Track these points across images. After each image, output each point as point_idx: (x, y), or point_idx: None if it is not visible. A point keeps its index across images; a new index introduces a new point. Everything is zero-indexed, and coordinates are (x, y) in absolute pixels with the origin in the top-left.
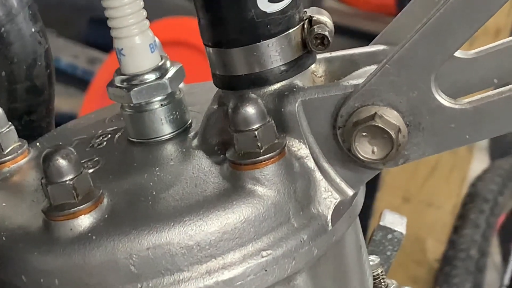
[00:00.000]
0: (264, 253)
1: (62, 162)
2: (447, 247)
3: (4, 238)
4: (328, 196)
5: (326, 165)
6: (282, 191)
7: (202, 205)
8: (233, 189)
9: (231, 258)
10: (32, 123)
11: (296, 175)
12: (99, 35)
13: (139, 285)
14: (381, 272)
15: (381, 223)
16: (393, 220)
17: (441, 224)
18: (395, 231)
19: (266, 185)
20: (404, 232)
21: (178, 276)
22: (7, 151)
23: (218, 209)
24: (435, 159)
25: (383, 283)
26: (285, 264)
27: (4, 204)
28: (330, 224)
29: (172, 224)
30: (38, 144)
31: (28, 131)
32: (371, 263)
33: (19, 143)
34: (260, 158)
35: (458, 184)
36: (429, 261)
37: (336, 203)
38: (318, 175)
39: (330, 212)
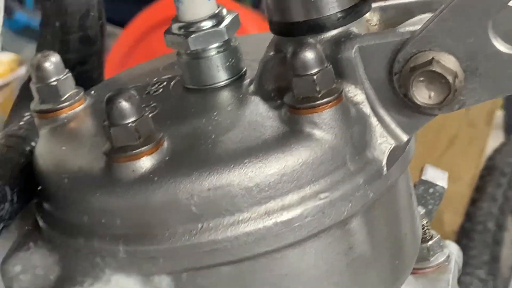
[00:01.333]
0: (321, 196)
1: (125, 104)
2: (464, 220)
3: (66, 180)
4: (383, 142)
5: (381, 111)
6: (339, 135)
7: (261, 148)
8: (292, 132)
9: (290, 200)
10: (84, 74)
11: (352, 120)
12: (114, 11)
13: (199, 225)
14: (426, 223)
15: (423, 178)
16: (435, 175)
17: (459, 197)
18: (436, 185)
19: (323, 129)
20: (445, 186)
21: (237, 216)
22: (64, 97)
23: (277, 151)
24: (453, 132)
25: (427, 233)
26: (342, 206)
27: (64, 147)
28: (385, 168)
29: (232, 166)
30: (93, 92)
31: (81, 81)
32: None
33: (76, 90)
34: (318, 102)
35: (476, 157)
36: (446, 234)
37: (391, 149)
38: (374, 120)
39: (385, 157)
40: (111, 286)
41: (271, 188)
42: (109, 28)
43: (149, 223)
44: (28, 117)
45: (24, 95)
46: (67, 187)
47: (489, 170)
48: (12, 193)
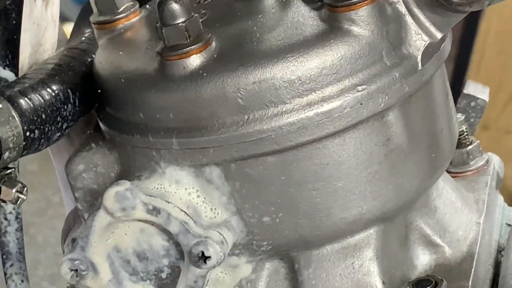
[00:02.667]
0: (359, 88)
1: (175, 5)
2: None
3: (122, 81)
4: (418, 39)
5: (416, 10)
6: (375, 31)
7: (302, 43)
8: (331, 29)
9: (329, 91)
10: None
11: (388, 18)
12: None
13: (246, 116)
14: (466, 128)
15: (465, 91)
16: (476, 89)
17: None
18: (478, 98)
19: (361, 25)
20: (487, 99)
21: (281, 108)
22: (121, 9)
23: (317, 47)
24: None
25: (467, 139)
26: (379, 98)
27: (120, 53)
28: (420, 64)
29: (275, 60)
30: (147, 6)
31: None
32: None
33: (132, 2)
34: (355, 0)
35: None
36: (508, 188)
37: (425, 45)
38: (409, 18)
39: (420, 53)
40: (166, 178)
41: (312, 80)
42: None
43: (199, 115)
44: (89, 33)
45: (85, 14)
46: (123, 86)
47: None
48: (74, 96)
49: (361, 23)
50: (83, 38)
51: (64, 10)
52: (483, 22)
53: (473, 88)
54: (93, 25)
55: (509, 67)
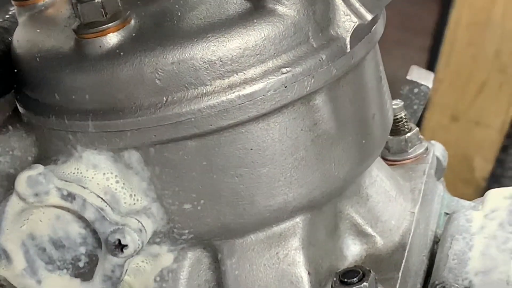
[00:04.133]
0: (283, 70)
1: None
2: (494, 166)
3: (38, 60)
4: (347, 20)
5: None
6: (301, 11)
7: (224, 23)
8: (254, 8)
9: (252, 73)
10: None
11: None
12: None
13: (164, 98)
14: (405, 115)
15: (408, 77)
16: (420, 75)
17: (489, 143)
18: (421, 85)
19: (286, 5)
20: (430, 86)
21: (201, 89)
22: None
23: (239, 26)
24: (483, 78)
25: (406, 126)
26: (304, 81)
27: (38, 30)
28: (348, 46)
29: (195, 40)
30: None
31: None
32: (394, 106)
33: None
34: None
35: (506, 102)
36: (476, 180)
37: (355, 27)
38: None
39: (349, 35)
40: (83, 162)
41: (234, 62)
42: None
43: (116, 97)
44: (13, 11)
45: None
46: (39, 66)
47: None
48: None
49: (286, 2)
50: (7, 16)
51: None
52: (454, 13)
53: (417, 74)
54: (13, 2)
55: (479, 58)
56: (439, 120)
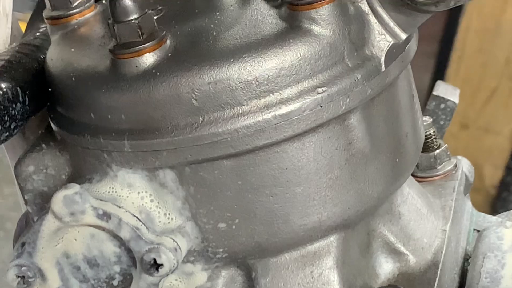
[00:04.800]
0: (319, 90)
1: (127, 1)
2: (504, 173)
3: (73, 79)
4: (381, 39)
5: (380, 9)
6: (337, 31)
7: (260, 43)
8: (290, 28)
9: (288, 93)
10: None
11: (351, 17)
12: None
13: (200, 118)
14: (434, 132)
15: (434, 93)
16: (446, 90)
17: (498, 150)
18: (448, 100)
19: (321, 24)
20: (456, 101)
21: (237, 109)
22: (75, 4)
23: (275, 46)
24: (494, 85)
25: (435, 142)
26: (340, 101)
27: (72, 49)
28: (383, 65)
29: (232, 60)
30: (104, 1)
31: None
32: (424, 123)
33: None
34: None
35: None
36: (486, 187)
37: (389, 46)
38: (372, 18)
39: (384, 54)
40: (118, 181)
41: (270, 82)
42: None
43: (152, 116)
44: (44, 28)
45: (40, 9)
46: (74, 85)
47: None
48: (24, 95)
49: (322, 22)
50: (38, 34)
51: None
52: (464, 20)
53: (443, 89)
54: (46, 20)
55: (489, 65)
56: (448, 127)
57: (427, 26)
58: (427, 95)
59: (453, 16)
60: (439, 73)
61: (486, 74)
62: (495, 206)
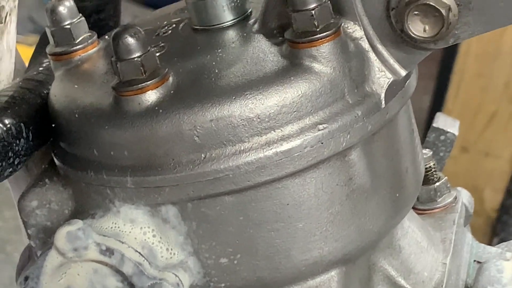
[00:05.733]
0: (320, 127)
1: (130, 39)
2: (505, 196)
3: (76, 116)
4: (381, 76)
5: (379, 47)
6: (337, 68)
7: (262, 80)
8: (291, 66)
9: (289, 130)
10: (100, 22)
11: (351, 55)
12: None
13: (202, 155)
14: (434, 164)
15: (434, 125)
16: (446, 122)
17: (499, 174)
18: (448, 132)
19: (322, 62)
20: (456, 133)
21: (239, 146)
22: (78, 40)
23: (277, 84)
24: (493, 109)
25: (435, 175)
26: (340, 137)
27: (76, 86)
28: (383, 102)
29: (233, 97)
30: (107, 37)
31: (97, 29)
32: (424, 156)
33: (89, 33)
34: (316, 36)
35: None
36: (487, 211)
37: (389, 83)
38: (372, 55)
39: (384, 91)
40: (121, 217)
41: (271, 119)
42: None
43: (155, 153)
44: (47, 63)
45: (43, 43)
46: (77, 121)
47: None
48: (28, 130)
49: (323, 59)
50: (41, 69)
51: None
52: (463, 44)
53: (443, 121)
54: (49, 56)
55: (489, 89)
56: None
57: None
58: (426, 117)
59: None
60: (439, 95)
61: (486, 98)
62: (495, 230)
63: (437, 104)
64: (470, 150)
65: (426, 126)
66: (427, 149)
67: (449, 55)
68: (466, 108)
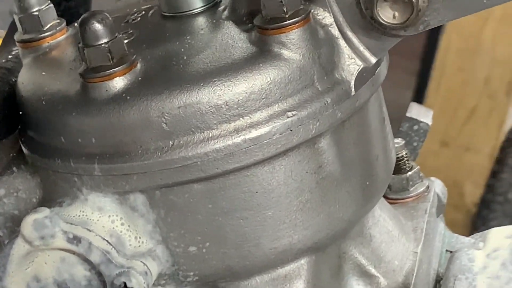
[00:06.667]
0: (289, 114)
1: (97, 25)
2: (485, 191)
3: (44, 103)
4: (351, 63)
5: (349, 34)
6: (307, 55)
7: (230, 67)
8: (260, 52)
9: (258, 117)
10: (70, 9)
11: (320, 42)
12: None
13: (170, 142)
14: (406, 154)
15: (407, 114)
16: (419, 112)
17: (479, 168)
18: (421, 122)
19: (291, 49)
20: (430, 123)
21: (207, 133)
22: (46, 27)
23: (245, 70)
24: (473, 104)
25: (407, 164)
26: (310, 124)
27: (43, 73)
28: (353, 89)
29: (202, 84)
30: (76, 24)
31: (67, 17)
32: (396, 145)
33: (58, 20)
34: (286, 22)
35: (496, 128)
36: (467, 205)
37: (359, 70)
38: (342, 42)
39: (353, 78)
40: (89, 205)
41: (240, 106)
42: None
43: (122, 140)
44: (16, 51)
45: (13, 31)
46: (44, 109)
47: (510, 142)
48: None
49: (292, 46)
50: (10, 56)
51: None
52: (444, 39)
53: (416, 111)
54: (17, 44)
55: (469, 84)
56: (429, 145)
57: (408, 44)
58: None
59: (433, 34)
60: (420, 90)
61: (466, 93)
62: (475, 224)
63: (418, 99)
64: (450, 144)
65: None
66: (400, 138)
67: (429, 50)
68: (446, 103)
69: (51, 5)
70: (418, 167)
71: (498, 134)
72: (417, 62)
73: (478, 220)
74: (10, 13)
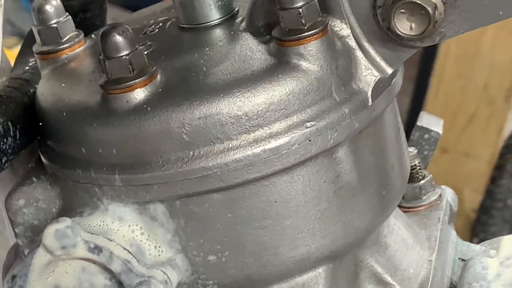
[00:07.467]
0: (308, 124)
1: (118, 38)
2: (484, 197)
3: (64, 114)
4: (368, 74)
5: (366, 45)
6: (324, 66)
7: (249, 78)
8: (279, 64)
9: (277, 128)
10: (86, 21)
11: (338, 53)
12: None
13: (191, 153)
14: (418, 163)
15: (418, 123)
16: (430, 121)
17: (478, 174)
18: (432, 130)
19: (309, 60)
20: (440, 132)
21: (227, 144)
22: (65, 39)
23: (265, 82)
24: (472, 110)
25: (420, 173)
26: (328, 135)
27: (63, 84)
28: (370, 99)
29: (222, 95)
30: (93, 36)
31: (83, 28)
32: (409, 154)
33: (76, 32)
34: (304, 34)
35: (495, 134)
36: (466, 211)
37: (376, 80)
38: (359, 53)
39: (370, 89)
40: (109, 215)
41: (259, 116)
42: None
43: (143, 151)
44: (33, 62)
45: (29, 42)
46: (65, 120)
47: (509, 148)
48: (15, 129)
49: (310, 57)
50: (27, 68)
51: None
52: (443, 45)
53: (427, 120)
54: (36, 55)
55: (468, 90)
56: None
57: None
58: (406, 118)
59: None
60: (419, 97)
61: (465, 99)
62: (475, 230)
63: (417, 105)
64: (449, 150)
65: (406, 127)
66: (412, 147)
67: (428, 57)
68: (445, 109)
69: (70, 17)
70: (431, 175)
71: (497, 140)
72: (414, 68)
73: (477, 226)
74: (7, 21)
